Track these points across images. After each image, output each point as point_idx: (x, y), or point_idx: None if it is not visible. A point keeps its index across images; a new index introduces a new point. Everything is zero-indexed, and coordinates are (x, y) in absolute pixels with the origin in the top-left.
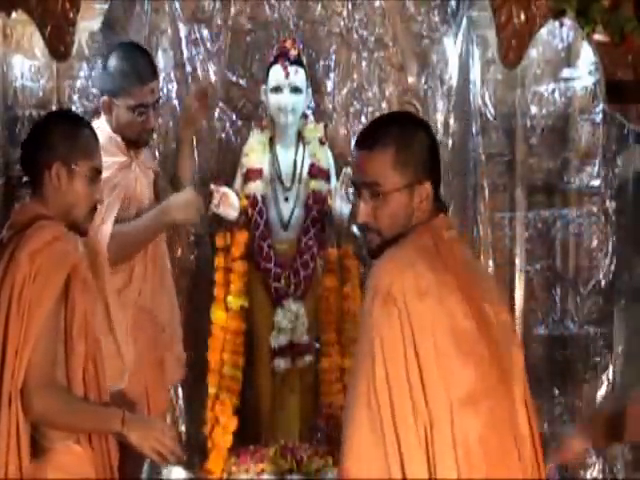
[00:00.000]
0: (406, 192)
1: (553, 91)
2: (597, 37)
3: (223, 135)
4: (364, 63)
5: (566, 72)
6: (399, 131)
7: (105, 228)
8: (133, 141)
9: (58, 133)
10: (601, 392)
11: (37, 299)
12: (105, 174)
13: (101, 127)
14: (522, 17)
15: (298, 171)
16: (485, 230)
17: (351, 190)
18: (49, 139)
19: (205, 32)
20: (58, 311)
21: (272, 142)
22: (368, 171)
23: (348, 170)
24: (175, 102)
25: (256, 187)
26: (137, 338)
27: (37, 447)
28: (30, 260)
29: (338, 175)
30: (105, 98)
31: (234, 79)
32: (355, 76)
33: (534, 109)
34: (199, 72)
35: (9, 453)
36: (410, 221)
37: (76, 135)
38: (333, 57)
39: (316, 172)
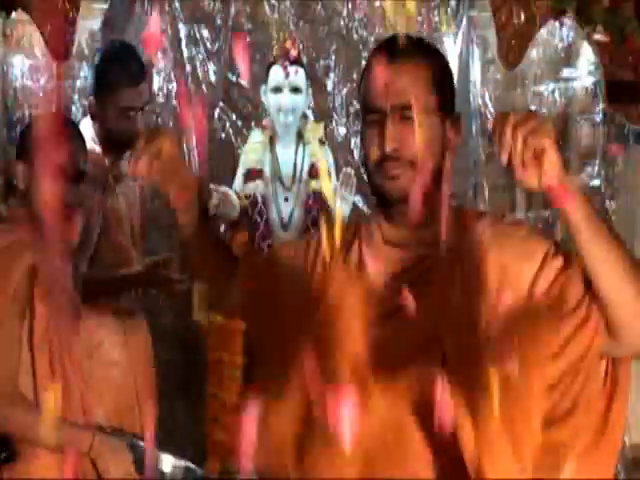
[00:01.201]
0: (441, 120)
1: (553, 91)
2: (597, 37)
3: (223, 135)
4: (364, 63)
5: (566, 72)
6: (437, 53)
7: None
8: (118, 144)
9: (22, 133)
10: None
11: None
12: None
13: (84, 130)
14: (522, 17)
15: (298, 171)
16: None
17: (351, 185)
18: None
19: (205, 32)
20: (17, 318)
21: (272, 142)
22: (403, 90)
23: (348, 170)
24: (175, 102)
25: (256, 187)
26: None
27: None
28: None
29: (338, 175)
30: (92, 98)
31: (234, 79)
32: (355, 76)
33: (534, 109)
34: (199, 72)
35: None
36: (442, 156)
37: (34, 132)
38: (333, 57)
39: (316, 172)
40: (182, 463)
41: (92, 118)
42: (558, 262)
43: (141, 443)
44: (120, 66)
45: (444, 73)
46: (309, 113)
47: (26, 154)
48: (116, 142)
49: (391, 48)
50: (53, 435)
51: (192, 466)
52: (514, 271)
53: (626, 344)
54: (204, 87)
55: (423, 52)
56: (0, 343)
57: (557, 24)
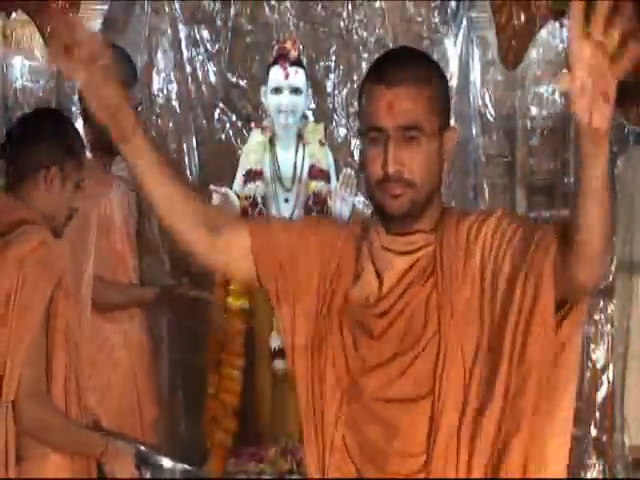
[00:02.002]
0: (439, 136)
1: (553, 92)
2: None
3: (223, 136)
4: (364, 64)
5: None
6: (433, 65)
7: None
8: (109, 148)
9: (56, 135)
10: (601, 392)
11: (26, 308)
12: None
13: None
14: (522, 18)
15: (298, 172)
16: None
17: (354, 185)
18: (48, 140)
19: (205, 33)
20: (45, 320)
21: (272, 143)
22: (406, 111)
23: (348, 171)
24: (175, 103)
25: (256, 188)
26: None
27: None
28: (17, 268)
29: (338, 176)
30: (84, 104)
31: (234, 80)
32: (355, 77)
33: (534, 110)
34: (199, 73)
35: None
36: (440, 172)
37: (73, 140)
38: (333, 58)
39: (316, 173)
40: (180, 466)
41: (84, 120)
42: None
43: (142, 447)
44: (119, 68)
45: (444, 90)
46: (309, 114)
47: (62, 161)
48: (107, 146)
49: (394, 65)
50: (72, 439)
51: (190, 469)
52: (493, 251)
53: (580, 283)
54: (204, 88)
55: (426, 71)
56: (32, 345)
57: (557, 25)
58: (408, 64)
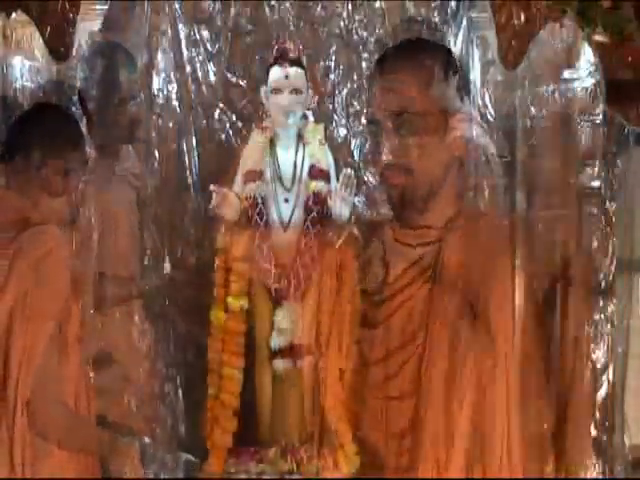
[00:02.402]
0: (439, 122)
1: (553, 92)
2: (597, 38)
3: (223, 136)
4: (364, 64)
5: (566, 73)
6: (437, 50)
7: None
8: (113, 142)
9: (58, 132)
10: (601, 393)
11: (42, 311)
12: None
13: None
14: (522, 18)
15: (298, 172)
16: None
17: (352, 188)
18: (50, 137)
19: (205, 33)
20: (59, 321)
21: (272, 143)
22: (393, 98)
23: (348, 171)
24: (175, 103)
25: (256, 188)
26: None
27: None
28: (33, 270)
29: (338, 176)
30: (89, 96)
31: (234, 80)
32: (355, 77)
33: (534, 110)
34: (199, 73)
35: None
36: (445, 163)
37: (76, 136)
38: (333, 58)
39: (316, 173)
40: (184, 457)
41: (87, 120)
42: None
43: (147, 440)
44: (118, 58)
45: (446, 76)
46: (309, 114)
47: (66, 158)
48: (111, 146)
49: (385, 58)
50: (81, 437)
51: (193, 459)
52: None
53: None
54: (204, 88)
55: (423, 56)
56: (47, 346)
57: (557, 25)
58: (407, 53)
